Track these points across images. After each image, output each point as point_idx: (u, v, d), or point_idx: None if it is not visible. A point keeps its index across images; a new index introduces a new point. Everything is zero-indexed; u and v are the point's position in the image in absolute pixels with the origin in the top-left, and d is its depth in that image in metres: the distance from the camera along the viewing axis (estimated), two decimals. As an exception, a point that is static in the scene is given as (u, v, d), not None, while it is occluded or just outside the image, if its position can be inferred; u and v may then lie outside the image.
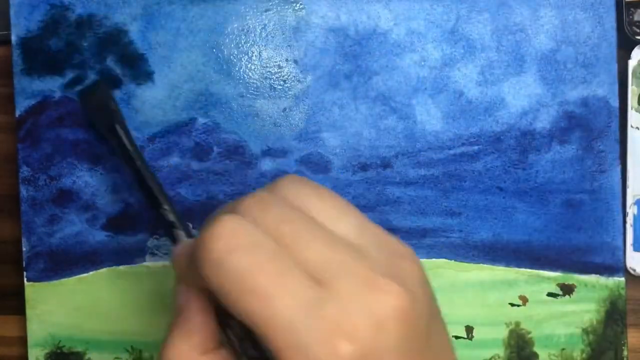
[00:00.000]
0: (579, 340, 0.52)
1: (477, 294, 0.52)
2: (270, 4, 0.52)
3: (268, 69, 0.52)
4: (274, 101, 0.52)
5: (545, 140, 0.52)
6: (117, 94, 0.53)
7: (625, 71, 0.51)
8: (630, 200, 0.51)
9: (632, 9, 0.51)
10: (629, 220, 0.51)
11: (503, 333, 0.52)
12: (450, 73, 0.52)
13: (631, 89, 0.51)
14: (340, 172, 0.52)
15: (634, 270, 0.52)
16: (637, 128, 0.51)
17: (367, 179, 0.52)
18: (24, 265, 0.53)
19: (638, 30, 0.51)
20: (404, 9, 0.52)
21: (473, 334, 0.52)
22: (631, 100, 0.51)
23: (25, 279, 0.53)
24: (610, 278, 0.52)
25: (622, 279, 0.52)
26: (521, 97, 0.52)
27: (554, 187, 0.52)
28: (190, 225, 0.53)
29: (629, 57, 0.51)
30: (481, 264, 0.52)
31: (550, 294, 0.52)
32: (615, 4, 0.51)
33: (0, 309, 0.56)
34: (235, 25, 0.52)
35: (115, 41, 0.53)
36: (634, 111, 0.51)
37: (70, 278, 0.53)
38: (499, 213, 0.52)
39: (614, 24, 0.51)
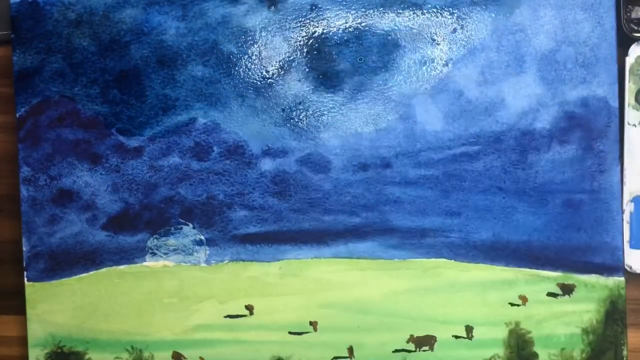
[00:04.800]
0: (579, 340, 0.52)
1: (477, 293, 0.52)
2: (271, 4, 0.52)
3: (268, 69, 0.52)
4: (274, 101, 0.52)
5: (545, 140, 0.52)
6: (114, 93, 0.53)
7: (622, 68, 0.51)
8: (626, 197, 0.51)
9: (629, 7, 0.51)
10: (626, 217, 0.51)
11: (503, 333, 0.52)
12: (450, 73, 0.52)
13: (628, 86, 0.51)
14: (340, 172, 0.52)
15: (631, 268, 0.52)
16: (634, 125, 0.51)
17: (367, 179, 0.52)
18: (24, 265, 0.53)
19: (635, 28, 0.51)
20: (404, 9, 0.52)
21: (473, 334, 0.52)
22: (628, 98, 0.51)
23: (25, 279, 0.53)
24: (610, 278, 0.52)
25: (622, 278, 0.52)
26: (521, 97, 0.52)
27: (554, 187, 0.52)
28: (190, 225, 0.53)
29: (626, 55, 0.51)
30: (481, 264, 0.52)
31: (550, 294, 0.52)
32: (614, 4, 0.51)
33: (1, 309, 0.56)
34: (235, 25, 0.52)
35: (115, 41, 0.53)
36: (631, 108, 0.51)
37: (70, 278, 0.53)
38: (499, 213, 0.52)
39: (614, 24, 0.51)
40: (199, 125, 0.53)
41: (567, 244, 0.52)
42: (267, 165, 0.53)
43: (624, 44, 0.51)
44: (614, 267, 0.52)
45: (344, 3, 0.52)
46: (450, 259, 0.52)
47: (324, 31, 0.52)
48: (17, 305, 0.55)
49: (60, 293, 0.53)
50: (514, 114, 0.52)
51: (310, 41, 0.52)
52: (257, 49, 0.52)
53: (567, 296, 0.52)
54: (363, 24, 0.52)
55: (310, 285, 0.53)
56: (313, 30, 0.52)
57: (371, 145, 0.52)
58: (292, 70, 0.52)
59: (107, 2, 0.52)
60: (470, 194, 0.52)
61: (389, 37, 0.52)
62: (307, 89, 0.52)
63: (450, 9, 0.52)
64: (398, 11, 0.52)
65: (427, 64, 0.52)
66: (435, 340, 0.53)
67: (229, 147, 0.53)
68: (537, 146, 0.52)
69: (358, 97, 0.52)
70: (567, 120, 0.52)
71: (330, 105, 0.52)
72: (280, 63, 0.52)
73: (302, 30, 0.52)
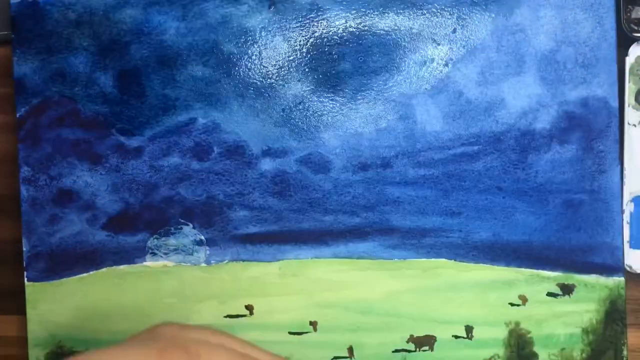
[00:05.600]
0: (578, 340, 0.52)
1: (477, 293, 0.52)
2: (271, 4, 0.52)
3: (268, 69, 0.52)
4: (274, 101, 0.52)
5: (545, 140, 0.52)
6: (114, 93, 0.53)
7: (622, 68, 0.51)
8: (626, 197, 0.51)
9: (629, 7, 0.51)
10: (626, 217, 0.51)
11: (503, 333, 0.52)
12: (450, 73, 0.52)
13: (628, 86, 0.51)
14: (340, 172, 0.52)
15: (631, 268, 0.52)
16: (634, 125, 0.51)
17: (367, 179, 0.52)
18: (24, 265, 0.53)
19: (635, 28, 0.51)
20: (404, 9, 0.52)
21: (473, 334, 0.52)
22: (628, 98, 0.51)
23: (25, 279, 0.53)
24: (610, 278, 0.52)
25: (622, 278, 0.52)
26: (521, 97, 0.52)
27: (554, 187, 0.52)
28: (190, 225, 0.53)
29: (626, 54, 0.51)
30: (481, 264, 0.52)
31: (550, 294, 0.52)
32: (614, 4, 0.51)
33: (1, 309, 0.56)
34: (235, 25, 0.52)
35: (115, 41, 0.53)
36: (631, 108, 0.51)
37: (70, 278, 0.53)
38: (498, 213, 0.52)
39: (614, 25, 0.51)
40: (199, 125, 0.53)
41: (567, 244, 0.52)
42: (267, 165, 0.53)
43: (624, 44, 0.51)
44: (614, 267, 0.52)
45: (344, 3, 0.52)
46: (451, 259, 0.52)
47: (324, 31, 0.52)
48: (17, 305, 0.55)
49: (60, 293, 0.53)
50: (514, 114, 0.52)
51: (310, 41, 0.52)
52: (257, 49, 0.52)
53: (567, 296, 0.52)
54: (363, 24, 0.52)
55: (310, 285, 0.53)
56: (313, 30, 0.52)
57: (371, 145, 0.52)
58: (292, 70, 0.52)
59: (107, 2, 0.52)
60: (470, 194, 0.52)
61: (389, 37, 0.52)
62: (307, 89, 0.52)
63: (450, 9, 0.52)
64: (398, 11, 0.52)
65: (427, 64, 0.52)
66: (435, 340, 0.53)
67: (229, 147, 0.53)
68: (537, 146, 0.52)
69: (358, 97, 0.52)
70: (567, 120, 0.52)
71: (331, 106, 0.52)
72: (280, 63, 0.52)
73: (302, 30, 0.52)
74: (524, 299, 0.52)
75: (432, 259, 0.52)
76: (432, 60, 0.52)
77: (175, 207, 0.53)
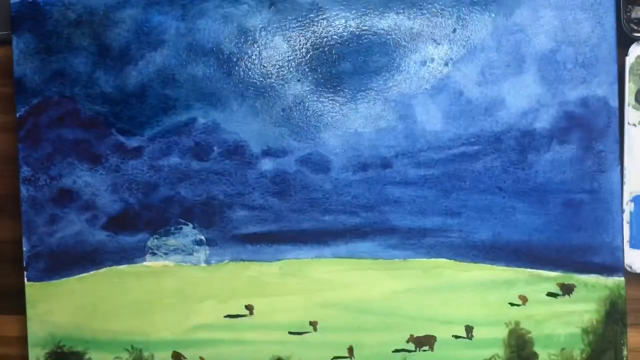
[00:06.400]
0: (578, 340, 0.52)
1: (477, 293, 0.52)
2: (271, 3, 0.52)
3: (268, 69, 0.52)
4: (274, 101, 0.52)
5: (545, 140, 0.52)
6: (114, 93, 0.53)
7: (622, 68, 0.51)
8: (626, 197, 0.51)
9: (629, 6, 0.51)
10: (626, 217, 0.51)
11: (503, 333, 0.52)
12: (450, 73, 0.52)
13: (628, 85, 0.51)
14: (340, 172, 0.52)
15: (631, 268, 0.52)
16: (634, 125, 0.51)
17: (367, 179, 0.52)
18: (24, 265, 0.53)
19: (635, 28, 0.51)
20: (404, 9, 0.52)
21: (473, 334, 0.52)
22: (628, 97, 0.51)
23: (25, 279, 0.53)
24: (610, 278, 0.52)
25: (622, 278, 0.52)
26: (521, 97, 0.52)
27: (554, 187, 0.52)
28: (190, 225, 0.53)
29: (626, 54, 0.51)
30: (481, 264, 0.52)
31: (550, 294, 0.52)
32: (614, 4, 0.51)
33: (1, 309, 0.56)
34: (235, 25, 0.52)
35: (115, 41, 0.53)
36: (630, 108, 0.51)
37: (71, 278, 0.53)
38: (498, 213, 0.52)
39: (614, 24, 0.51)
40: (199, 125, 0.53)
41: (567, 244, 0.52)
42: (267, 165, 0.53)
43: (624, 44, 0.51)
44: (614, 267, 0.52)
45: (344, 3, 0.52)
46: (451, 259, 0.52)
47: (324, 31, 0.52)
48: (17, 305, 0.55)
49: (60, 293, 0.53)
50: (514, 114, 0.52)
51: (310, 41, 0.52)
52: (257, 49, 0.52)
53: (567, 296, 0.52)
54: (363, 24, 0.52)
55: (310, 285, 0.53)
56: (313, 30, 0.52)
57: (371, 145, 0.52)
58: (292, 70, 0.52)
59: (107, 2, 0.52)
60: (470, 194, 0.52)
61: (389, 37, 0.52)
62: (307, 88, 0.52)
63: (450, 9, 0.52)
64: (398, 11, 0.52)
65: (427, 64, 0.52)
66: (435, 340, 0.53)
67: (229, 147, 0.53)
68: (537, 146, 0.52)
69: (358, 97, 0.52)
70: (567, 120, 0.52)
71: (331, 106, 0.52)
72: (280, 63, 0.52)
73: (302, 30, 0.52)
74: (524, 299, 0.52)
75: (432, 259, 0.52)
76: (432, 60, 0.52)
77: (175, 207, 0.53)
